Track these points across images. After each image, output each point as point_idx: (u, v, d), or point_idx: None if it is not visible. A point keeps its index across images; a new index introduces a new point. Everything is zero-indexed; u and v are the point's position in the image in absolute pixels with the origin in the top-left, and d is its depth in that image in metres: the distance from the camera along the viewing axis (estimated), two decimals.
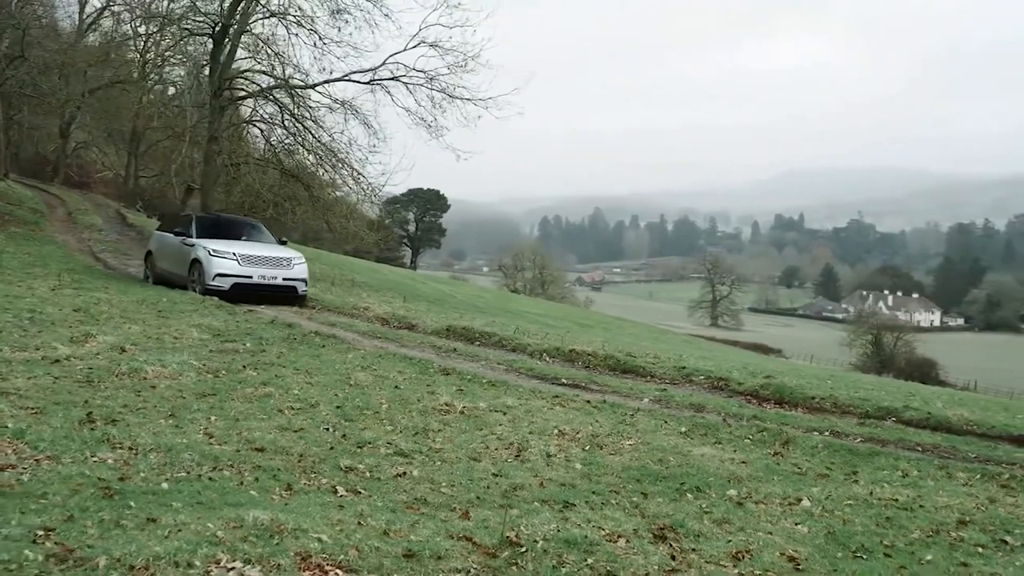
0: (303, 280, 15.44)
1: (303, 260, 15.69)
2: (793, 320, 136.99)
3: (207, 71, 23.33)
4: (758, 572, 3.96)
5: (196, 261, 14.94)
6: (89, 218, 28.39)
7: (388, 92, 23.15)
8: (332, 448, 5.71)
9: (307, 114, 23.35)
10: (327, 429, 6.28)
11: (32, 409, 5.95)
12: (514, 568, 3.71)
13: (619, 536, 4.27)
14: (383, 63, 22.87)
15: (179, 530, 3.63)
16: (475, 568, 3.64)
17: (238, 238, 16.19)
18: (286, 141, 24.51)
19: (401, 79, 22.95)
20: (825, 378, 12.15)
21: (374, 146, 23.04)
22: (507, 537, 4.01)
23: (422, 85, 22.76)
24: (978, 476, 6.23)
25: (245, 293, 14.58)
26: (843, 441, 7.18)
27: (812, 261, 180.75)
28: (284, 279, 15.11)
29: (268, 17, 23.32)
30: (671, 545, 4.23)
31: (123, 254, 21.85)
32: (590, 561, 3.86)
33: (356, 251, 46.42)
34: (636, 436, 6.85)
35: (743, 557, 4.14)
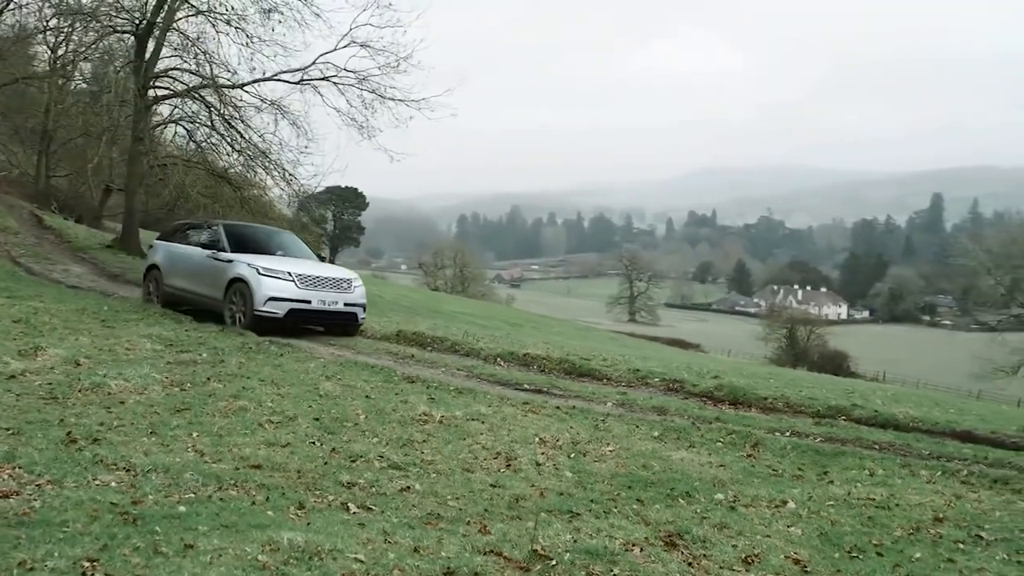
0: (363, 305, 13.00)
1: (360, 281, 13.32)
2: (708, 315, 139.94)
3: (131, 69, 22.71)
4: None
5: (238, 282, 12.34)
6: (2, 220, 27.29)
7: (319, 92, 22.97)
8: (327, 463, 5.73)
9: (235, 114, 22.98)
10: (313, 443, 6.29)
11: (7, 429, 5.81)
12: None
13: (633, 545, 4.43)
14: (313, 63, 22.66)
15: (220, 555, 3.65)
16: None
17: (272, 252, 13.68)
18: (211, 140, 24.07)
19: (332, 79, 22.79)
20: (767, 377, 12.57)
21: (305, 147, 22.83)
22: (534, 550, 4.13)
23: (353, 85, 22.65)
24: (939, 473, 6.61)
25: (302, 321, 12.42)
26: (807, 441, 7.51)
27: (725, 257, 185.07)
28: (345, 304, 12.58)
29: (195, 15, 22.87)
30: (683, 552, 4.42)
31: (45, 259, 21.07)
32: (616, 571, 4.01)
33: None
34: (614, 442, 7.04)
35: (753, 561, 4.35)
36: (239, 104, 22.86)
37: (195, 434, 6.23)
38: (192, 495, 4.71)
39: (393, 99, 22.68)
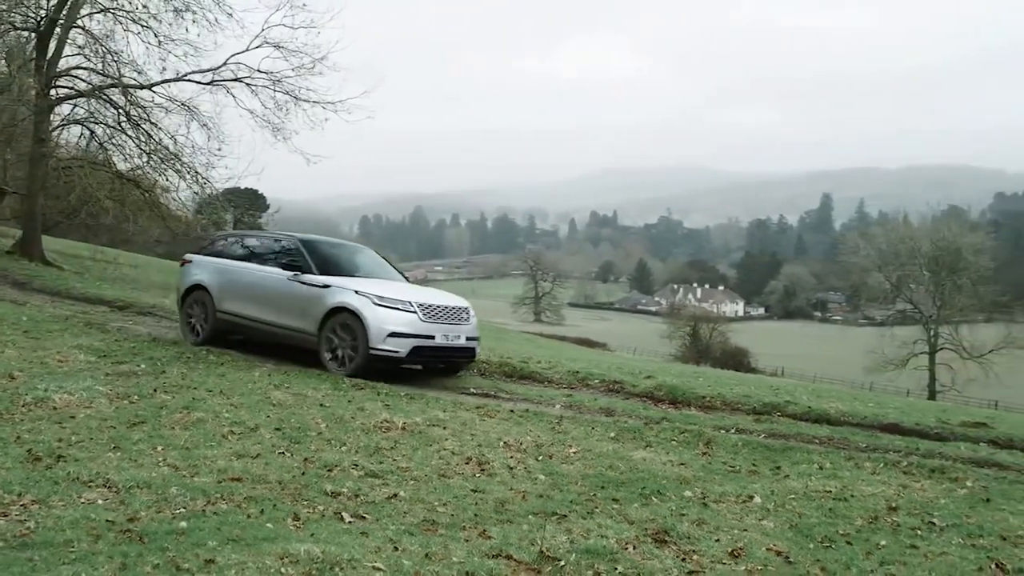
0: (478, 338, 11.28)
1: (472, 309, 11.41)
2: (610, 314, 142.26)
3: (32, 67, 21.82)
4: (759, 568, 4.41)
5: (342, 312, 10.32)
6: None
7: (231, 94, 22.60)
8: (304, 473, 5.73)
9: (143, 115, 22.35)
10: (282, 453, 6.26)
11: None
12: None
13: (627, 543, 4.61)
14: (224, 63, 22.28)
15: (242, 569, 3.68)
16: None
17: (357, 272, 11.60)
18: (114, 140, 23.35)
19: (244, 80, 22.45)
20: (695, 376, 13.02)
21: (219, 149, 22.41)
22: (541, 552, 4.27)
23: (267, 87, 22.36)
24: (882, 465, 7.03)
25: (423, 360, 10.67)
26: (754, 438, 7.86)
27: (626, 256, 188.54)
28: (467, 338, 10.80)
29: (100, 12, 22.16)
30: (673, 548, 4.62)
31: None
32: (620, 569, 4.19)
33: (169, 254, 44.57)
34: (575, 443, 7.24)
35: (739, 555, 4.58)
36: (145, 104, 22.28)
37: (159, 448, 6.13)
38: (183, 510, 4.67)
39: (308, 101, 22.51)
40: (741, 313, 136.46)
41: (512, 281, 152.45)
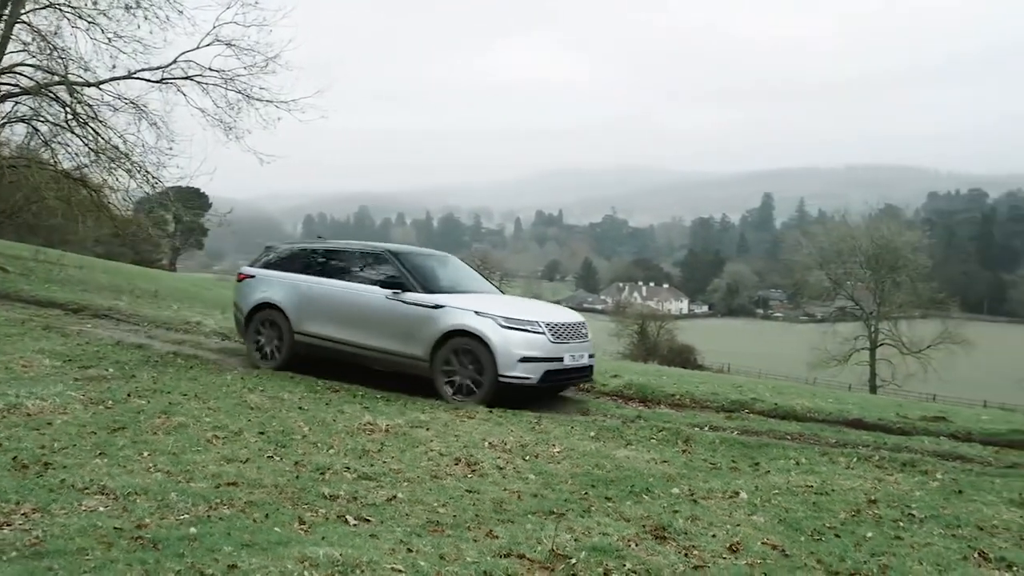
0: (594, 354, 10.50)
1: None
2: None
3: None
4: (759, 561, 4.55)
5: (460, 336, 9.38)
6: None
7: (181, 92, 22.27)
8: (298, 477, 5.74)
9: (92, 113, 21.91)
10: (271, 457, 6.26)
11: None
12: None
13: (630, 540, 4.73)
14: (174, 61, 21.94)
15: (267, 575, 3.69)
16: None
17: (457, 285, 10.67)
18: (58, 139, 22.85)
19: (195, 78, 22.15)
20: (658, 374, 13.23)
21: (170, 148, 22.06)
22: (552, 551, 4.36)
23: (218, 85, 22.10)
24: (855, 459, 7.26)
25: (552, 385, 9.78)
26: (729, 435, 8.06)
27: (572, 255, 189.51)
28: (589, 356, 10.06)
29: (46, 7, 21.67)
30: (673, 544, 4.75)
31: None
32: (629, 566, 4.29)
33: (108, 254, 43.73)
34: (558, 443, 7.34)
35: (737, 549, 4.72)
36: (91, 102, 21.83)
37: (146, 453, 6.08)
38: (187, 516, 4.66)
39: (261, 100, 22.29)
40: (686, 311, 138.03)
41: None
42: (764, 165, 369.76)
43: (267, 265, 11.40)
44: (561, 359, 9.43)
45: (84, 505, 4.70)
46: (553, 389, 9.94)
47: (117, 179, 22.41)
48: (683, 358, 58.37)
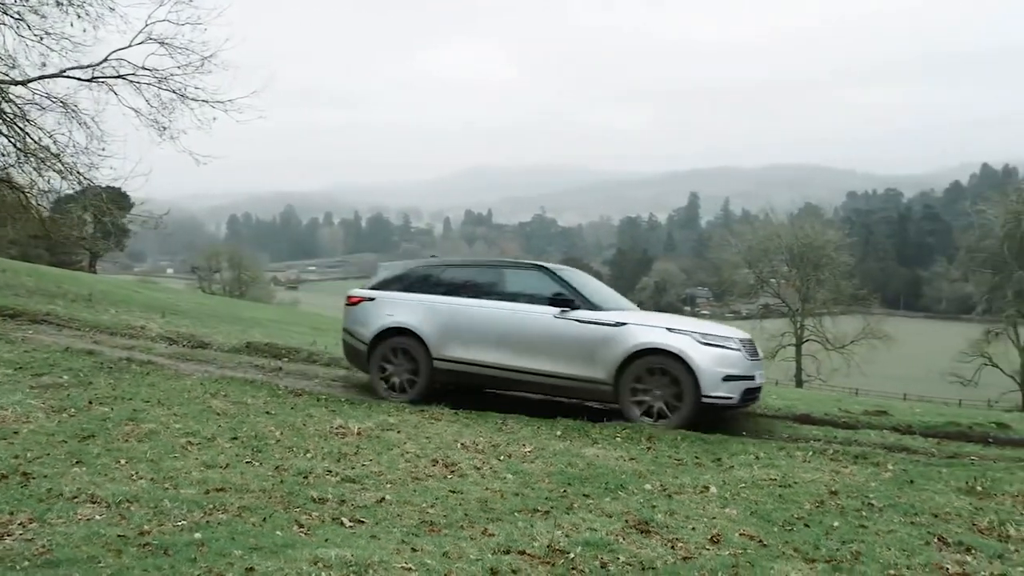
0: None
1: None
2: None
3: None
4: (739, 551, 4.80)
5: (652, 354, 8.73)
6: None
7: (113, 91, 21.82)
8: (282, 481, 5.81)
9: (19, 111, 21.31)
10: (250, 463, 6.31)
11: None
12: (576, 571, 4.28)
13: (617, 535, 4.94)
14: (105, 59, 21.48)
15: None
16: None
17: (613, 300, 10.18)
18: None
19: (128, 77, 21.73)
20: None
21: (103, 149, 21.59)
22: (549, 546, 4.55)
23: (152, 84, 21.71)
24: (811, 453, 7.60)
25: (744, 405, 9.17)
26: (689, 432, 8.30)
27: (501, 254, 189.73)
28: (760, 374, 9.39)
29: None
30: (658, 538, 4.97)
31: None
32: (622, 559, 4.50)
33: (24, 256, 42.51)
34: (527, 443, 7.53)
35: (718, 540, 4.97)
36: (18, 101, 21.24)
37: (123, 461, 6.08)
38: (184, 522, 4.72)
39: (196, 100, 21.96)
40: None
41: None
42: (689, 165, 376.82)
43: (388, 286, 10.38)
44: (753, 377, 9.04)
45: (79, 514, 4.72)
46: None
47: (48, 180, 21.88)
48: None
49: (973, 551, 4.96)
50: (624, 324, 8.98)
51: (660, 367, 8.70)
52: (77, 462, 5.96)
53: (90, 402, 8.04)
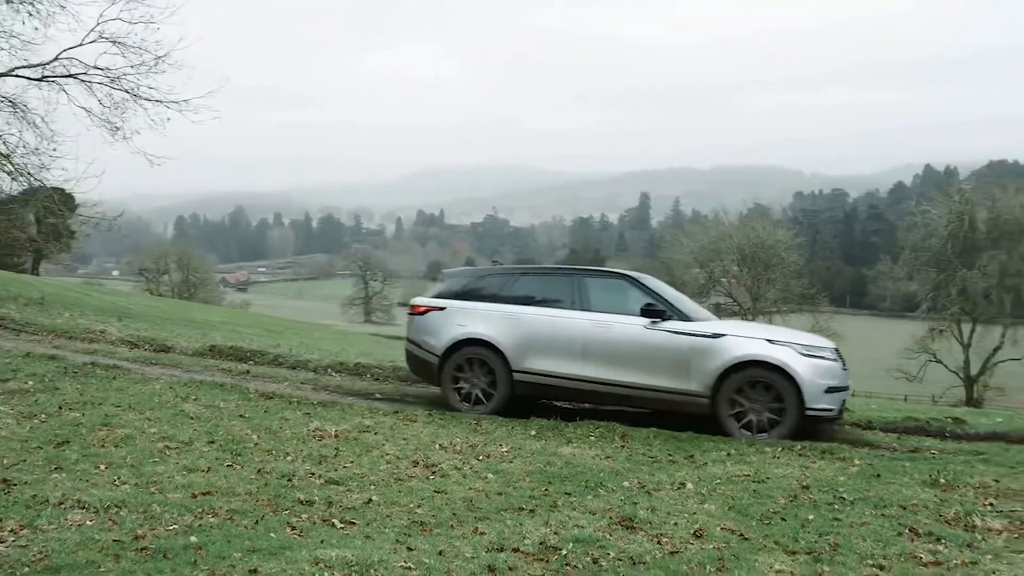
0: None
1: None
2: None
3: None
4: (722, 545, 4.95)
5: (752, 366, 8.53)
6: None
7: (64, 90, 21.45)
8: (267, 484, 5.83)
9: None
10: (231, 466, 6.31)
11: None
12: (570, 568, 4.39)
13: (604, 531, 5.06)
14: (56, 58, 21.13)
15: None
16: (550, 572, 4.28)
17: (696, 310, 10.00)
18: None
19: (79, 77, 21.39)
20: None
21: (54, 149, 21.21)
22: (542, 543, 4.65)
23: (104, 84, 21.40)
24: (780, 449, 7.79)
25: (840, 417, 9.10)
26: (660, 430, 8.46)
27: (454, 255, 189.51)
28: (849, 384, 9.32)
29: None
30: (643, 533, 5.10)
31: None
32: (612, 554, 4.62)
33: None
34: (503, 443, 7.62)
35: (701, 535, 5.12)
36: None
37: (102, 466, 6.05)
38: (176, 526, 4.73)
39: (150, 100, 21.69)
40: None
41: (340, 282, 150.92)
42: (640, 166, 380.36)
43: (457, 295, 9.97)
44: (847, 387, 8.98)
45: (69, 519, 4.71)
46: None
47: None
48: None
49: (943, 541, 5.17)
50: (722, 335, 8.80)
51: (761, 379, 8.53)
52: (56, 468, 5.92)
53: (60, 407, 7.96)
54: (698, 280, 59.53)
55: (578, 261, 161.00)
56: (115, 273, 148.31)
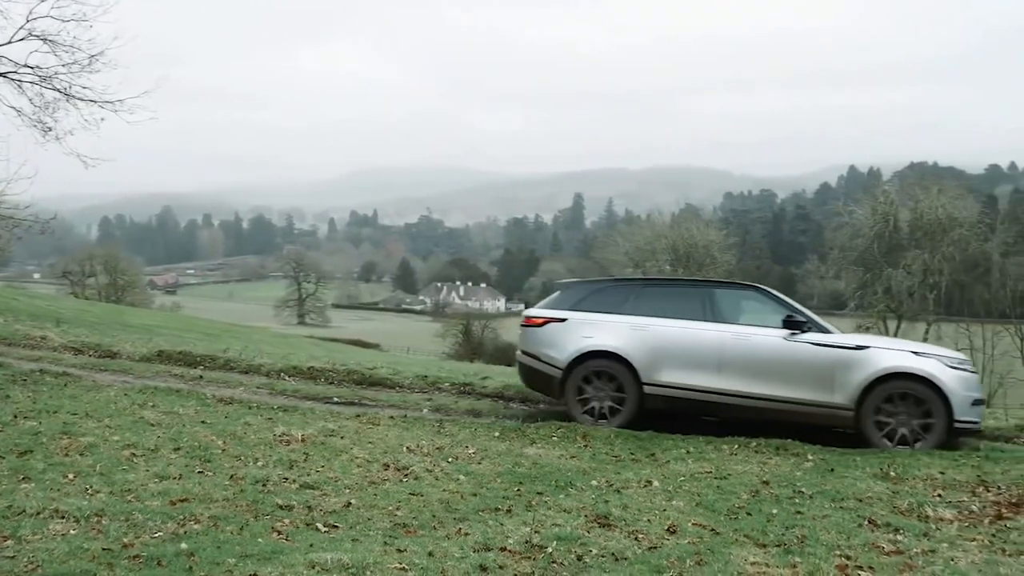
0: None
1: None
2: (375, 314, 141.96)
3: None
4: (696, 540, 5.15)
5: (898, 379, 8.46)
6: None
7: None
8: (242, 490, 5.84)
9: None
10: (202, 472, 6.30)
11: None
12: (556, 565, 4.53)
13: (582, 529, 5.21)
14: None
15: None
16: (538, 570, 4.41)
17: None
18: None
19: (8, 75, 20.83)
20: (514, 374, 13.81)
21: None
22: (528, 542, 4.79)
23: (35, 83, 20.88)
24: (736, 446, 8.05)
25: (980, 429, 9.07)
26: (620, 429, 8.67)
27: (388, 256, 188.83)
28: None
29: None
30: (620, 530, 5.27)
31: None
32: (594, 551, 4.78)
33: None
34: (468, 444, 7.73)
35: (675, 530, 5.31)
36: None
37: (71, 476, 5.99)
38: (161, 534, 4.74)
39: (83, 99, 21.21)
40: (503, 309, 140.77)
41: (272, 283, 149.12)
42: (573, 167, 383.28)
43: (576, 305, 9.65)
44: (984, 399, 8.76)
45: (52, 529, 4.69)
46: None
47: None
48: (508, 357, 59.75)
49: (901, 531, 5.45)
50: (866, 347, 8.78)
51: (907, 392, 8.48)
52: (24, 478, 5.85)
53: (15, 416, 7.81)
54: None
55: (513, 261, 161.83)
56: (36, 276, 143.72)
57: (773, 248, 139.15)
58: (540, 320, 9.74)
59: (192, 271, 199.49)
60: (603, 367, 9.20)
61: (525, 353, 9.81)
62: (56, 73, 20.86)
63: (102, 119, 21.50)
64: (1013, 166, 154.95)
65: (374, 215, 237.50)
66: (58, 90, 20.96)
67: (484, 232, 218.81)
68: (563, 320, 9.53)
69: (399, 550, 4.57)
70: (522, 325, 10.05)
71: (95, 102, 21.19)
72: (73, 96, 21.02)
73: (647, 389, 9.05)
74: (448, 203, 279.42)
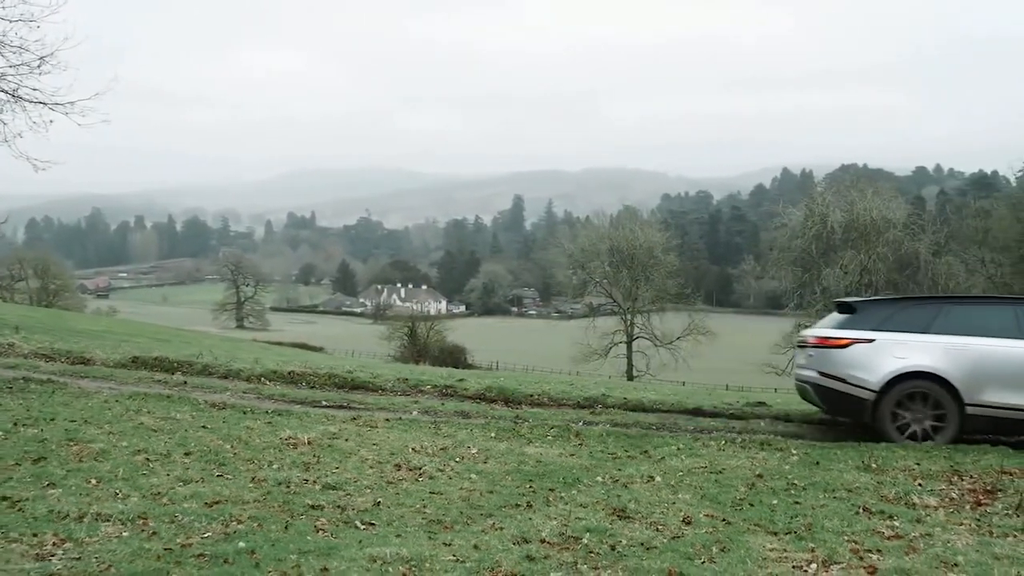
0: None
1: None
2: (315, 317, 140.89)
3: None
4: (711, 529, 5.49)
5: None
6: None
7: None
8: (268, 492, 6.01)
9: None
10: (221, 476, 6.46)
11: None
12: (594, 555, 4.82)
13: (605, 521, 5.52)
14: None
15: (365, 574, 4.14)
16: (579, 559, 4.70)
17: None
18: None
19: None
20: (499, 376, 14.12)
21: None
22: (562, 534, 5.08)
23: None
24: (724, 442, 8.46)
25: None
26: (610, 428, 9.02)
27: (327, 258, 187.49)
28: None
29: None
30: (640, 522, 5.59)
31: None
32: (624, 541, 5.09)
33: None
34: (469, 445, 7.98)
35: (691, 521, 5.65)
36: None
37: (94, 481, 6.11)
38: (210, 534, 4.92)
39: (32, 101, 20.89)
40: (444, 311, 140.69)
41: (208, 287, 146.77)
42: (511, 168, 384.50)
43: (882, 326, 9.33)
44: None
45: (104, 532, 4.82)
46: None
47: None
48: (454, 358, 59.75)
49: (895, 517, 5.87)
50: None
51: None
52: (49, 484, 5.95)
53: (15, 424, 7.85)
54: (571, 281, 61.20)
55: (453, 263, 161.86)
56: None
57: (710, 248, 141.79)
58: (844, 341, 9.37)
59: (124, 274, 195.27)
60: (919, 388, 8.95)
61: (824, 375, 9.41)
62: (3, 74, 20.56)
63: (51, 121, 21.25)
64: (939, 168, 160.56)
65: (312, 217, 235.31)
66: (4, 91, 20.64)
67: (424, 234, 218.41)
68: (871, 341, 9.26)
69: (445, 543, 4.82)
70: (815, 346, 9.69)
71: (45, 104, 20.89)
72: (22, 98, 20.70)
73: (969, 410, 8.79)
74: (387, 205, 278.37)
